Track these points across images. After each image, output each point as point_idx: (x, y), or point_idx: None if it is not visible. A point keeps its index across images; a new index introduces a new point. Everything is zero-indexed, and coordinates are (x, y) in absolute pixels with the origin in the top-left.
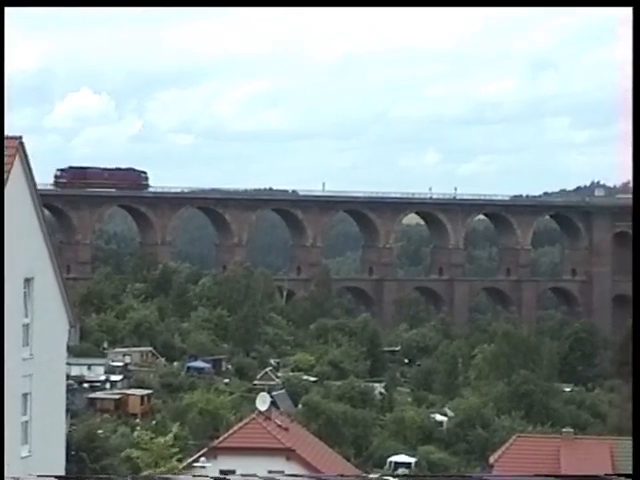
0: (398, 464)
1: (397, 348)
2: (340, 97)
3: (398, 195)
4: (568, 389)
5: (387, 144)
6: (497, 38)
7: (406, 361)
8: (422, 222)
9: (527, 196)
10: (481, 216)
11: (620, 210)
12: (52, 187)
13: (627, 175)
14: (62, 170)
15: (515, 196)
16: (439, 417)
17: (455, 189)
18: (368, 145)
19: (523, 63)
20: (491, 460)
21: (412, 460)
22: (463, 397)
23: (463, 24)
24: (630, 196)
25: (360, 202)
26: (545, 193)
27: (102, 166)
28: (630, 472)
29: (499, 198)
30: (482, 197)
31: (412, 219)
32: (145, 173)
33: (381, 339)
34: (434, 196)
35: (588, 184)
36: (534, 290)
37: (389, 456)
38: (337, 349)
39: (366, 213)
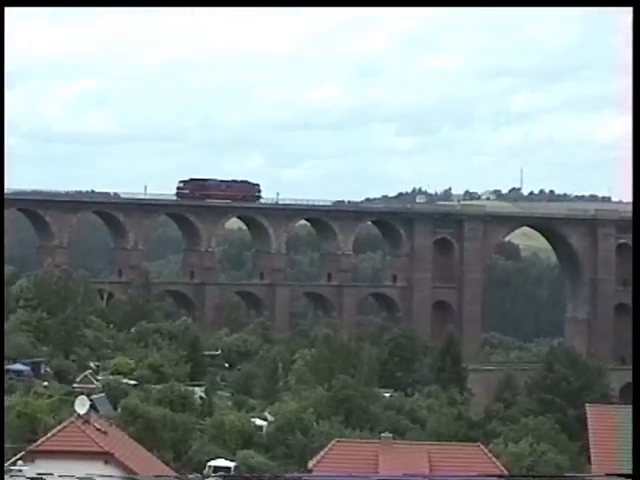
0: (217, 468)
1: (218, 352)
2: (165, 100)
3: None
4: (387, 394)
5: (211, 148)
6: (324, 44)
7: (227, 365)
8: (244, 226)
9: (349, 202)
10: (303, 221)
11: (441, 217)
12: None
13: (448, 182)
14: (184, 182)
15: (337, 202)
16: (259, 421)
17: (277, 194)
18: (192, 149)
19: (350, 69)
20: (310, 465)
21: (231, 464)
22: (283, 402)
23: (291, 30)
24: (449, 203)
25: (182, 206)
26: (367, 199)
27: (220, 178)
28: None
29: (321, 203)
30: (304, 202)
31: (235, 223)
32: (258, 185)
33: (202, 343)
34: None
35: (410, 191)
36: (355, 295)
37: (208, 460)
38: (157, 353)
39: (188, 217)
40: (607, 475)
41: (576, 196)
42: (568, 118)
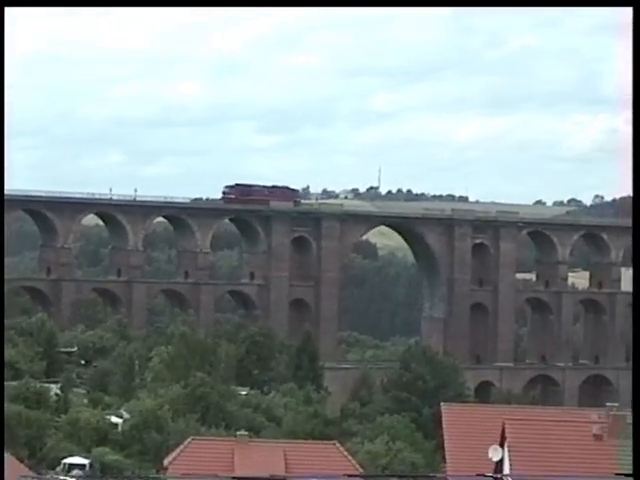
0: (72, 465)
1: (74, 349)
2: (25, 95)
3: (78, 195)
4: (244, 392)
5: (71, 144)
6: (186, 40)
7: (83, 362)
8: (102, 223)
9: (207, 199)
10: (161, 218)
11: (299, 215)
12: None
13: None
14: (230, 187)
15: (195, 199)
16: (115, 419)
17: (135, 190)
18: (51, 144)
19: (211, 67)
20: (165, 462)
21: (86, 462)
22: (139, 399)
23: (151, 25)
24: (307, 201)
25: (39, 201)
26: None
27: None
28: None
29: (179, 200)
30: (162, 199)
31: (92, 220)
32: (297, 191)
33: (58, 339)
34: (114, 197)
35: None
36: (212, 293)
37: (63, 457)
38: (13, 349)
39: (45, 212)
40: (607, 475)
41: (433, 196)
42: (428, 118)
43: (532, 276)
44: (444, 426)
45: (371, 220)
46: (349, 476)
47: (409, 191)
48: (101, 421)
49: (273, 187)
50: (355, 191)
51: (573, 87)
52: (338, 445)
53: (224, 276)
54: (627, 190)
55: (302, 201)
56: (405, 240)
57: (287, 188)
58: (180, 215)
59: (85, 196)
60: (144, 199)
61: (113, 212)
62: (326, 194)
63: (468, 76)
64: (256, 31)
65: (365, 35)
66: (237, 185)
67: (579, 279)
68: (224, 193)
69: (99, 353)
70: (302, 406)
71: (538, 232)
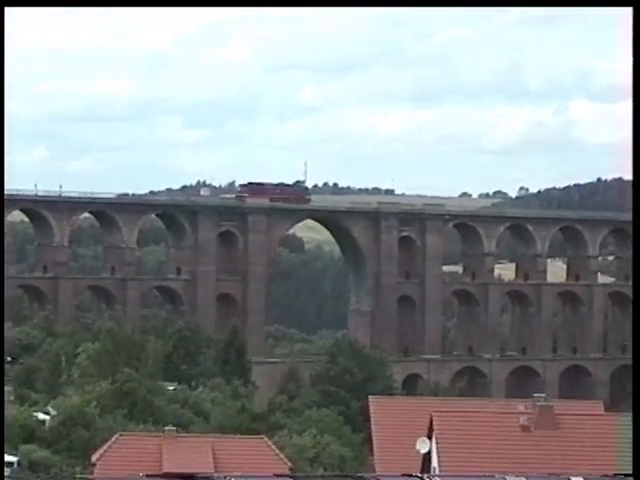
0: None
1: None
2: None
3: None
4: (172, 387)
5: None
6: (112, 37)
7: (9, 359)
8: (27, 219)
9: (134, 195)
10: (87, 214)
11: (225, 210)
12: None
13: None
14: (243, 185)
15: (122, 194)
16: (42, 416)
17: (61, 186)
18: None
19: (138, 62)
20: (93, 459)
21: (14, 459)
22: (66, 395)
23: (78, 22)
24: (234, 195)
25: None
26: (151, 192)
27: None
28: None
29: (105, 196)
30: (88, 195)
31: (17, 216)
32: (307, 189)
33: None
34: (39, 193)
35: (194, 183)
36: (139, 288)
37: None
38: None
39: None
40: (607, 475)
41: (359, 189)
42: (354, 111)
43: (459, 268)
44: (372, 419)
45: (297, 214)
46: (277, 476)
47: (335, 185)
48: (28, 418)
49: (285, 185)
50: (281, 185)
51: (498, 79)
52: (266, 439)
53: (151, 271)
54: (552, 182)
55: (227, 195)
56: (331, 233)
57: (297, 186)
58: (106, 211)
59: (10, 192)
60: (70, 195)
61: (38, 208)
62: None
63: (394, 69)
64: (183, 27)
65: (292, 29)
66: (250, 184)
67: (505, 271)
68: (238, 192)
69: (25, 350)
70: (230, 401)
71: (464, 224)
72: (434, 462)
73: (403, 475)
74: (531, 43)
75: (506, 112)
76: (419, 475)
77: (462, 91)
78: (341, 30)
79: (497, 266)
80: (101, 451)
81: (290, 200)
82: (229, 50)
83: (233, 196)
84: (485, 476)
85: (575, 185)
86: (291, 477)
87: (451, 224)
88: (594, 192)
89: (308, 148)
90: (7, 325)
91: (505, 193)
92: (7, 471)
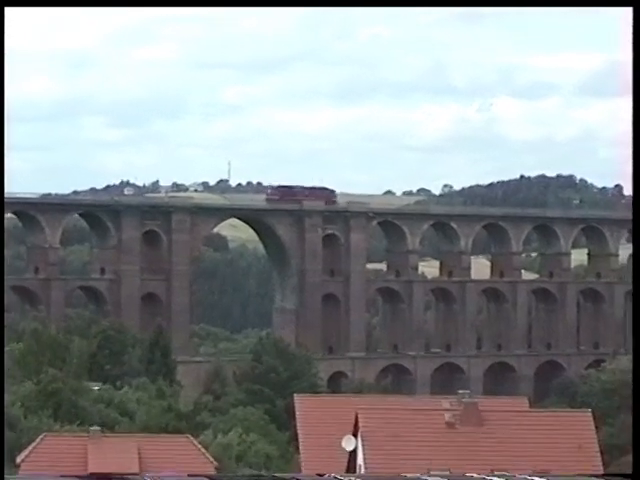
0: None
1: None
2: None
3: None
4: (97, 387)
5: None
6: (36, 36)
7: None
8: None
9: (57, 195)
10: (9, 214)
11: (149, 209)
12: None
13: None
14: (273, 188)
15: (45, 194)
16: None
17: None
18: None
19: (62, 62)
20: (18, 460)
21: None
22: None
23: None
24: (157, 195)
25: None
26: (75, 192)
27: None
28: None
29: (28, 196)
30: (12, 195)
31: None
32: (334, 191)
33: None
34: None
35: (118, 183)
36: (63, 288)
37: None
38: None
39: None
40: (607, 475)
41: None
42: (278, 110)
43: (383, 266)
44: (297, 417)
45: (221, 213)
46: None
47: (259, 183)
48: None
49: (313, 188)
50: (205, 184)
51: (423, 77)
52: (191, 438)
53: (75, 271)
54: (475, 179)
55: (151, 195)
56: (255, 232)
57: (325, 188)
58: (29, 211)
59: None
60: None
61: None
62: (176, 187)
63: (319, 68)
64: (107, 26)
65: (216, 28)
66: (280, 187)
67: (429, 268)
68: (268, 194)
69: None
70: (155, 400)
71: (388, 222)
72: (360, 460)
73: (317, 475)
74: (455, 41)
75: (431, 110)
76: (336, 475)
77: (387, 89)
78: (265, 29)
79: (421, 263)
80: (26, 452)
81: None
82: (154, 49)
83: (157, 195)
84: (400, 476)
85: (499, 182)
86: (207, 477)
87: (375, 222)
88: (517, 189)
89: (233, 147)
90: None
91: (429, 191)
92: None
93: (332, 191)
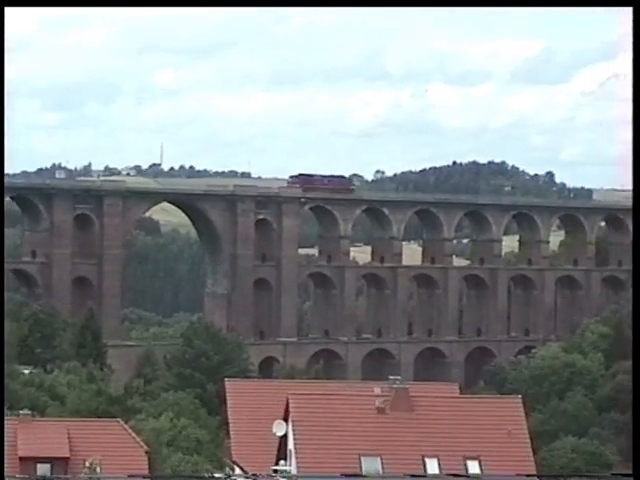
0: None
1: None
2: None
3: None
4: (27, 371)
5: None
6: None
7: None
8: None
9: None
10: None
11: (81, 193)
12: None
13: (90, 158)
14: (294, 176)
15: None
16: None
17: None
18: None
19: None
20: None
21: None
22: None
23: None
24: (89, 178)
25: None
26: (7, 175)
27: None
28: None
29: None
30: None
31: None
32: (351, 180)
33: None
34: None
35: (50, 166)
36: None
37: None
38: None
39: None
40: (607, 475)
41: (216, 172)
42: (213, 95)
43: (315, 251)
44: (228, 402)
45: (153, 197)
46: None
47: (192, 167)
48: None
49: (331, 176)
50: (137, 168)
51: (358, 63)
52: (122, 423)
53: (6, 255)
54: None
55: (83, 178)
56: (188, 216)
57: (342, 177)
58: None
59: None
60: None
61: None
62: (108, 171)
63: (255, 52)
64: (42, 10)
65: (151, 12)
66: (300, 175)
67: (361, 254)
68: (289, 182)
69: None
70: (86, 384)
71: (320, 207)
72: (290, 445)
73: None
74: (391, 28)
75: (365, 96)
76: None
77: (322, 74)
78: (201, 13)
79: (353, 249)
80: None
81: (337, 191)
82: (88, 33)
83: (89, 179)
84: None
85: (431, 168)
86: (147, 477)
87: (307, 207)
88: (449, 176)
89: (166, 131)
90: None
91: (361, 176)
92: None
93: (349, 179)
